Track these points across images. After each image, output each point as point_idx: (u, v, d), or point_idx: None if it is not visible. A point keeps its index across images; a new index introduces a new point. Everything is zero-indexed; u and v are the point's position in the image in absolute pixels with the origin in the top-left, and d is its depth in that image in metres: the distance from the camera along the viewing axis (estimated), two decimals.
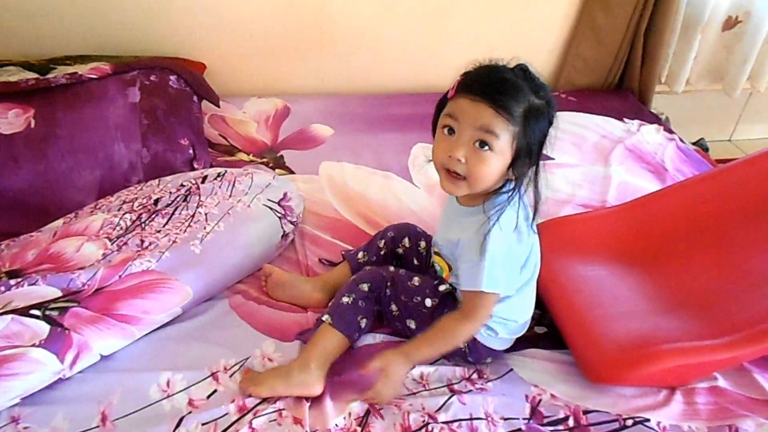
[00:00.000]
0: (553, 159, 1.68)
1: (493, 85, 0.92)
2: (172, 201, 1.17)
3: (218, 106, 1.62)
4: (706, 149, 2.16)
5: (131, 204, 1.16)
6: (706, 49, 2.12)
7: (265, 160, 1.59)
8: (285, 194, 1.30)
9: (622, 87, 2.13)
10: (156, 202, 1.16)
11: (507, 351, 1.11)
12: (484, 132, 0.91)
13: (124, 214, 1.12)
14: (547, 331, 1.18)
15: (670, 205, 1.41)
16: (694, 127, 2.33)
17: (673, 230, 1.38)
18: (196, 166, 1.36)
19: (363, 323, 1.05)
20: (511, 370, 1.09)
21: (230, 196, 1.22)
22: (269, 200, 1.26)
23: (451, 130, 0.93)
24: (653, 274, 1.32)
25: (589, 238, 1.37)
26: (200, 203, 1.17)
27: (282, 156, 1.62)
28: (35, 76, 1.36)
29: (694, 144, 2.07)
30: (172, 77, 1.42)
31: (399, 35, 1.95)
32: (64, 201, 1.18)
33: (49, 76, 1.35)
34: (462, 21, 1.97)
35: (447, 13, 1.94)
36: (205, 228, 1.13)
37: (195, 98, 1.47)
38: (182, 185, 1.21)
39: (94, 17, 1.65)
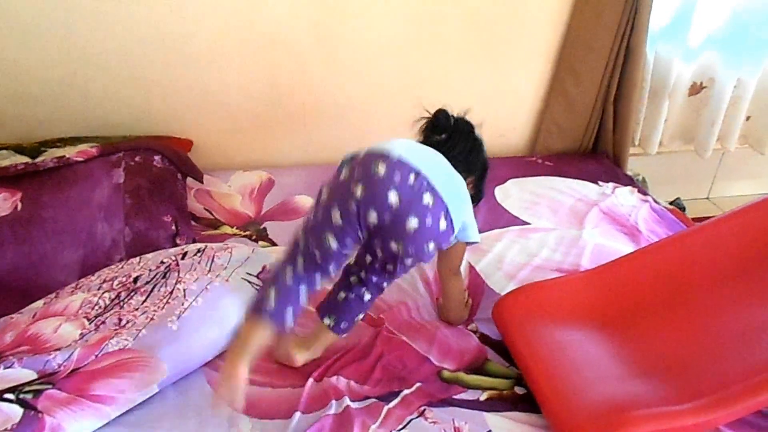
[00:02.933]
0: (529, 224, 1.72)
1: None
2: (152, 278, 1.20)
3: (201, 182, 1.67)
4: (683, 208, 2.21)
5: (111, 282, 1.19)
6: (675, 113, 2.21)
7: (248, 232, 1.63)
8: (264, 267, 1.33)
9: (597, 150, 2.21)
10: (135, 279, 1.20)
11: (488, 411, 1.12)
12: None
13: (103, 293, 1.15)
14: (526, 392, 1.19)
15: (642, 267, 1.45)
16: (671, 187, 2.39)
17: (645, 293, 1.41)
18: (179, 241, 1.40)
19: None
20: (490, 431, 1.09)
21: (209, 271, 1.25)
22: (248, 273, 1.29)
23: None
24: (627, 338, 1.33)
25: (563, 303, 1.40)
26: (179, 279, 1.20)
27: (265, 228, 1.66)
28: (26, 159, 1.42)
29: (671, 203, 2.12)
30: (157, 157, 1.49)
31: (379, 107, 2.03)
32: (47, 281, 1.21)
33: (39, 159, 1.41)
34: (439, 92, 2.05)
35: (424, 84, 2.03)
36: (183, 304, 1.15)
37: (179, 175, 1.52)
38: (162, 262, 1.25)
39: (84, 100, 1.73)
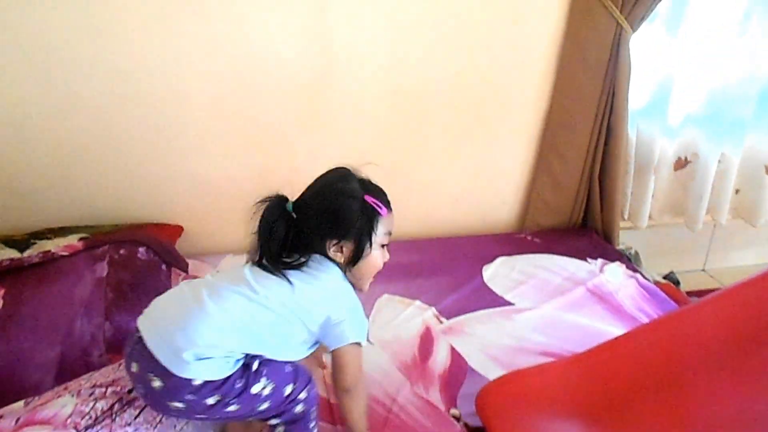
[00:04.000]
0: (512, 305, 1.72)
1: (385, 194, 1.19)
2: None
3: (186, 272, 1.70)
4: (677, 283, 2.19)
5: (104, 390, 1.18)
6: (662, 188, 2.23)
7: None
8: None
9: (587, 226, 2.22)
10: (130, 391, 1.18)
11: None
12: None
13: (95, 402, 1.13)
14: None
15: (631, 351, 1.42)
16: (665, 260, 2.38)
17: (634, 379, 1.37)
18: None
19: None
20: None
21: None
22: None
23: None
24: (616, 428, 1.30)
25: (548, 390, 1.37)
26: None
27: None
28: (13, 253, 1.45)
29: (664, 278, 2.10)
30: (141, 249, 1.52)
31: None
32: (23, 380, 1.21)
33: (25, 254, 1.44)
34: (426, 172, 2.11)
35: (411, 163, 2.08)
36: (174, 426, 1.14)
37: (164, 266, 1.55)
38: None
39: (75, 190, 1.79)
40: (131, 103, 1.74)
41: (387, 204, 1.16)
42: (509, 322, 1.65)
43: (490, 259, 1.95)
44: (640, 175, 2.17)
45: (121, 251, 1.48)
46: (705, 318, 1.41)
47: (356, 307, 1.15)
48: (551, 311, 1.70)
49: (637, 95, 2.06)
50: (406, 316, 1.66)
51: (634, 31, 1.88)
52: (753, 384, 1.28)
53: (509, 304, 1.72)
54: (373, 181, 1.19)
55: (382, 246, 1.17)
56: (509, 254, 1.99)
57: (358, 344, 1.13)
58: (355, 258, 1.13)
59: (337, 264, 1.14)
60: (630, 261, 2.03)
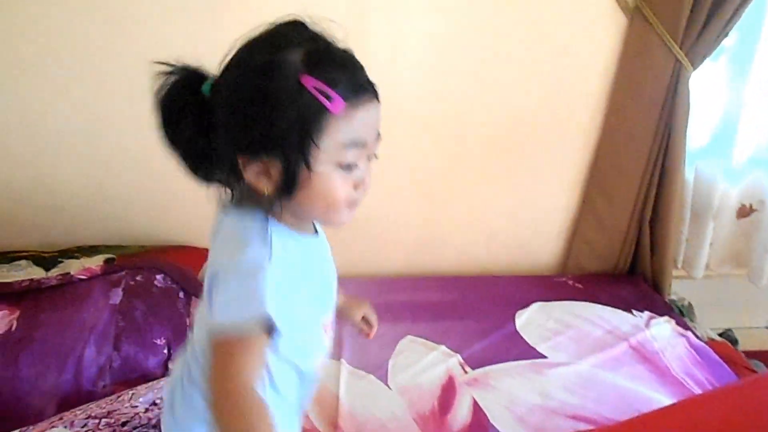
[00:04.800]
0: (545, 357, 1.59)
1: (360, 68, 0.71)
2: (141, 425, 1.15)
3: None
4: (735, 341, 2.00)
5: (97, 422, 1.15)
6: (723, 236, 2.05)
7: None
8: None
9: (635, 272, 2.06)
10: (124, 424, 1.15)
11: None
12: (378, 139, 0.74)
13: None
14: None
15: (676, 426, 1.28)
16: (721, 314, 2.18)
17: None
18: (170, 366, 1.37)
19: None
20: None
21: None
22: None
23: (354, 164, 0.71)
24: None
25: None
26: None
27: None
28: (37, 273, 1.46)
29: (720, 335, 1.92)
30: (159, 276, 1.49)
31: (399, 219, 2.00)
32: (26, 407, 1.19)
33: (49, 273, 1.45)
34: (463, 206, 2.02)
35: (448, 197, 1.99)
36: None
37: (181, 294, 1.52)
38: (154, 404, 1.20)
39: (106, 209, 1.80)
40: None
41: (354, 88, 0.69)
42: (540, 377, 1.52)
43: (526, 304, 1.83)
44: (696, 221, 2.01)
45: (138, 278, 1.46)
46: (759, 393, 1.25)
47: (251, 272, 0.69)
48: (587, 369, 1.56)
49: (698, 133, 1.91)
50: (428, 362, 1.56)
51: (695, 68, 1.74)
52: None
53: (542, 356, 1.60)
54: (341, 45, 0.72)
55: (346, 166, 0.71)
56: (546, 299, 1.86)
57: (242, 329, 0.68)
58: (287, 186, 0.70)
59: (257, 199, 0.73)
60: (682, 315, 1.87)
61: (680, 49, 1.70)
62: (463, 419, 1.39)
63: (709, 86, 1.85)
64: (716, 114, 1.90)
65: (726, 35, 1.70)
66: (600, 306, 1.83)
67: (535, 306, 1.83)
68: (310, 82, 0.65)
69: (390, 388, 1.47)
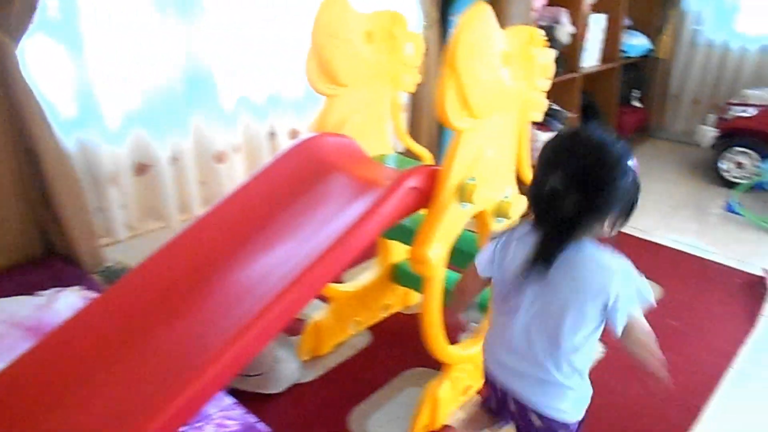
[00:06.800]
0: None
1: None
2: None
3: None
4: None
5: None
6: (132, 195, 2.19)
7: None
8: None
9: (54, 255, 2.02)
10: None
11: None
12: None
13: None
14: None
15: None
16: None
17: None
18: None
19: None
20: None
21: None
22: None
23: None
24: None
25: None
26: None
27: None
28: None
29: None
30: None
31: None
32: None
33: None
34: None
35: None
36: None
37: None
38: None
39: None
40: None
41: None
42: None
43: None
44: (100, 188, 2.08)
45: None
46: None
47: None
48: None
49: (65, 106, 1.95)
50: None
51: (17, 43, 1.74)
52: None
53: None
54: None
55: None
56: None
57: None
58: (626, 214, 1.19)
59: None
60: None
61: None
62: None
63: (51, 58, 1.88)
64: (73, 83, 1.95)
65: (35, 9, 1.73)
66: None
67: None
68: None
69: None
